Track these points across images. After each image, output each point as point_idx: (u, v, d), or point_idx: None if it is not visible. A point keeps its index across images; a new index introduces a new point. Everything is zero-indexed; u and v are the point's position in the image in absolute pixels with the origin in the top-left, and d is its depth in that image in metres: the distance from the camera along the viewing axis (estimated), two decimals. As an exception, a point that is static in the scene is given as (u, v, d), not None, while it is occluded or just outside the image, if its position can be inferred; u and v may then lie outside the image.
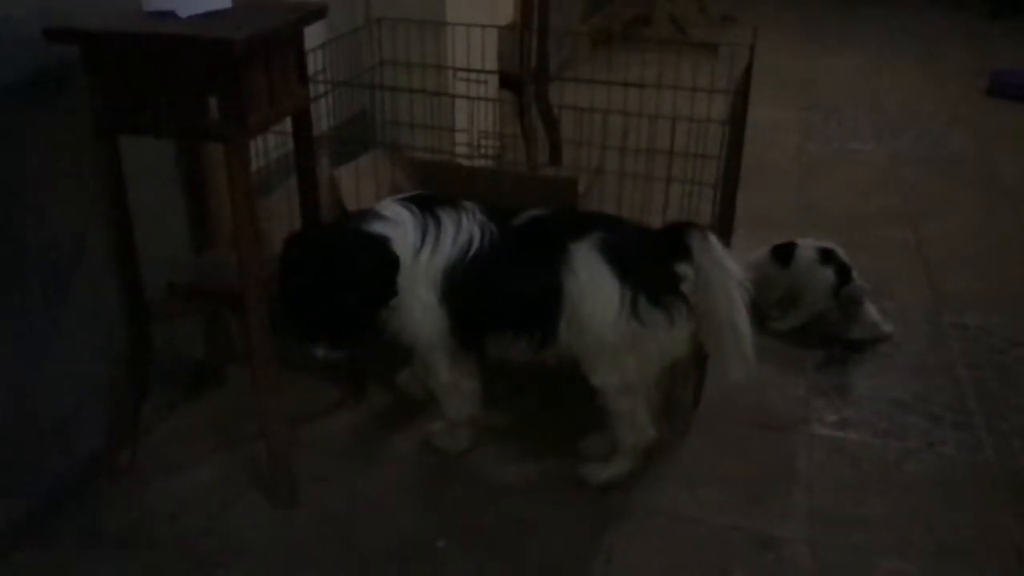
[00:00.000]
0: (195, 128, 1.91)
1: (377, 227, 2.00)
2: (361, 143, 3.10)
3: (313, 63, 2.45)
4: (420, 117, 2.96)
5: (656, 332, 1.94)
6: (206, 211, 2.43)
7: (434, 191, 2.20)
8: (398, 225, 2.00)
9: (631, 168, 2.50)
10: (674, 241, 1.93)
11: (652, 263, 1.96)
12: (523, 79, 3.24)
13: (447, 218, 2.02)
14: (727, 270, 1.89)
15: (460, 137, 3.14)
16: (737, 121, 2.22)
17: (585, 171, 2.79)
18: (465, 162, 3.14)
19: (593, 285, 1.94)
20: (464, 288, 1.99)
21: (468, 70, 3.01)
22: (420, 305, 2.00)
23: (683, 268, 1.94)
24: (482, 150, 3.15)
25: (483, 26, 3.15)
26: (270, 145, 2.54)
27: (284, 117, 2.13)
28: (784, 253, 2.86)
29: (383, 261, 1.96)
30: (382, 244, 1.96)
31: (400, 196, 2.13)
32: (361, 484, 2.16)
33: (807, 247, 2.84)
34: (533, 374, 2.34)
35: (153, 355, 2.13)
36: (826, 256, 2.81)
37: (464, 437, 2.23)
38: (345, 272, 1.95)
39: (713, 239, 1.91)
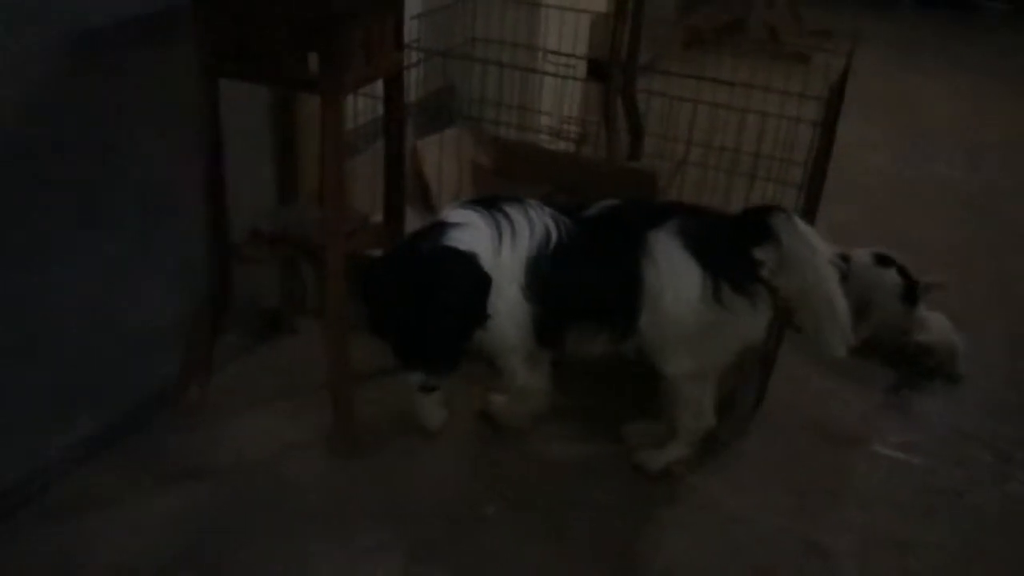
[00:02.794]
0: (294, 79, 1.97)
1: (456, 239, 1.91)
2: (446, 117, 3.14)
3: (407, 33, 2.49)
4: (507, 96, 2.99)
5: (738, 318, 1.94)
6: (294, 165, 2.50)
7: (496, 194, 2.13)
8: (473, 229, 1.94)
9: (714, 164, 2.49)
10: (754, 225, 1.93)
11: (732, 248, 1.96)
12: (611, 68, 3.24)
13: (516, 214, 1.98)
14: (816, 248, 1.89)
15: (544, 120, 3.16)
16: (829, 123, 2.20)
17: (667, 164, 2.78)
18: (547, 146, 3.16)
19: (674, 272, 1.94)
20: (547, 281, 1.95)
21: (558, 53, 3.02)
22: (506, 305, 1.94)
23: (762, 252, 1.93)
24: (564, 135, 3.17)
25: (578, 11, 3.16)
26: (359, 109, 2.60)
27: (378, 78, 2.18)
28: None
29: (479, 280, 1.87)
30: (474, 262, 1.88)
31: (461, 201, 2.09)
32: (417, 445, 2.20)
33: (861, 254, 2.75)
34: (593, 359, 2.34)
35: (232, 297, 2.20)
36: (884, 260, 2.72)
37: (525, 416, 2.25)
38: (443, 297, 1.86)
39: (797, 219, 1.90)
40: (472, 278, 1.87)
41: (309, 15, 1.85)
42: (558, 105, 3.02)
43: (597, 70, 3.29)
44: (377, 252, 2.43)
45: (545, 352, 2.09)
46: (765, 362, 2.30)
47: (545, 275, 1.94)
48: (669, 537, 2.01)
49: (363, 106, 2.58)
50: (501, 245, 1.93)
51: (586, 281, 1.98)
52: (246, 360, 2.41)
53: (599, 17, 3.42)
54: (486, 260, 1.89)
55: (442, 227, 1.94)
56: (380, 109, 2.38)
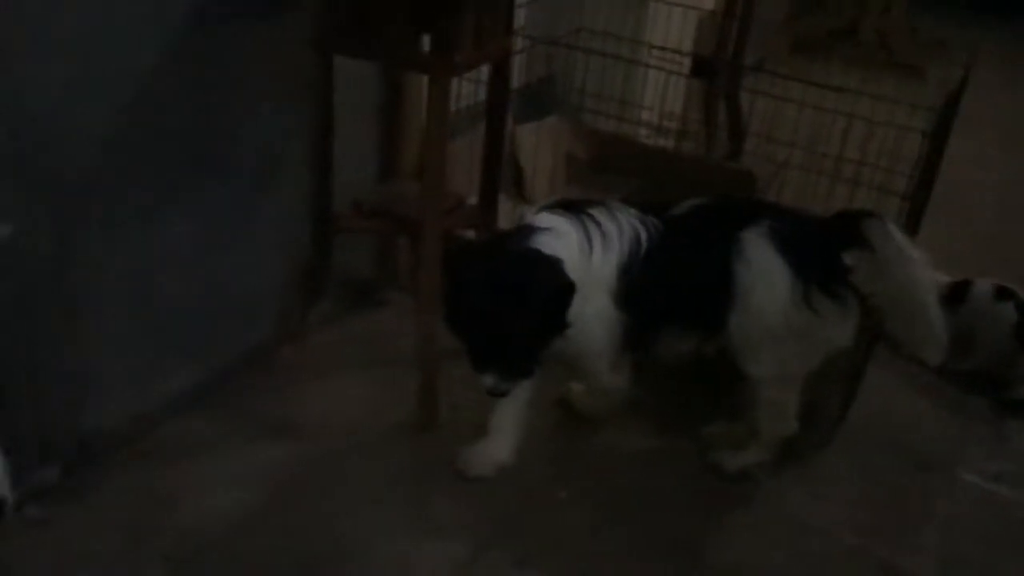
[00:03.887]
0: (406, 59, 2.03)
1: (543, 243, 1.86)
2: (546, 106, 3.16)
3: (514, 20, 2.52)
4: (608, 88, 2.99)
5: (825, 322, 1.91)
6: (396, 143, 2.56)
7: (579, 197, 2.11)
8: (561, 236, 1.88)
9: (816, 169, 2.45)
10: (845, 229, 1.90)
11: (823, 251, 1.93)
12: (716, 66, 3.21)
13: (605, 219, 1.93)
14: (910, 255, 1.85)
15: (644, 115, 3.16)
16: (940, 134, 2.13)
17: (767, 166, 2.74)
18: (645, 141, 3.15)
19: (765, 273, 1.92)
20: (640, 285, 1.91)
21: (664, 48, 3.01)
22: (594, 313, 1.91)
23: (853, 257, 1.90)
24: (664, 131, 3.16)
25: (687, 7, 3.14)
26: (462, 92, 2.64)
27: (486, 62, 2.22)
28: (958, 290, 2.68)
29: (562, 287, 1.81)
30: (559, 268, 1.83)
31: (544, 204, 2.02)
32: (495, 425, 2.23)
33: (982, 284, 2.65)
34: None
35: (328, 266, 2.27)
36: (1004, 293, 2.62)
37: (603, 409, 2.26)
38: (525, 300, 1.80)
39: (891, 225, 1.87)
40: (555, 285, 1.81)
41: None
42: (659, 100, 3.01)
43: (701, 67, 3.27)
44: (469, 234, 2.48)
45: (629, 354, 2.07)
46: (852, 374, 2.25)
47: (637, 280, 1.91)
48: (739, 538, 2.00)
49: (466, 90, 2.62)
50: (591, 251, 1.89)
51: (677, 283, 1.95)
52: (337, 327, 2.48)
53: (707, 14, 3.39)
54: (572, 267, 1.85)
55: (529, 231, 1.89)
56: (482, 93, 2.42)
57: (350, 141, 2.34)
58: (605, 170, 3.00)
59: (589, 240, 1.89)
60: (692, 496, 2.09)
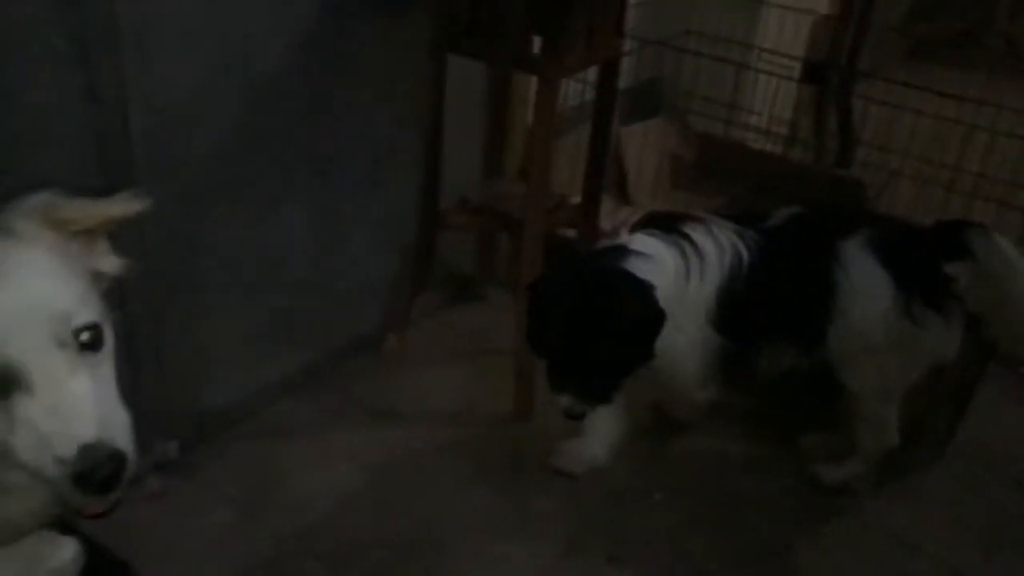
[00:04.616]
0: (518, 59, 2.06)
1: (637, 266, 1.79)
2: (651, 107, 3.16)
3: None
4: (717, 91, 2.97)
5: (929, 333, 1.87)
6: (502, 141, 2.61)
7: (671, 210, 2.07)
8: (657, 263, 1.81)
9: (931, 179, 2.37)
10: (948, 240, 1.86)
11: (926, 261, 1.88)
12: (829, 71, 3.14)
13: (702, 237, 1.87)
14: (1018, 267, 1.81)
15: (752, 119, 3.12)
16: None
17: (878, 175, 2.68)
18: (752, 145, 3.11)
19: (866, 284, 1.88)
20: (739, 305, 1.86)
21: (775, 52, 2.97)
22: (686, 342, 1.86)
23: (955, 268, 1.85)
24: (772, 135, 3.11)
25: (800, 11, 3.09)
26: (568, 92, 2.67)
27: (596, 63, 2.24)
28: None
29: (652, 316, 1.75)
30: (650, 295, 1.76)
31: (640, 221, 1.96)
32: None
33: None
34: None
35: (433, 259, 2.34)
36: None
37: (693, 412, 2.24)
38: (610, 326, 1.74)
39: (997, 237, 1.82)
40: (645, 313, 1.75)
41: (539, -1, 1.93)
42: (769, 105, 2.97)
43: (813, 72, 3.20)
44: (570, 233, 2.51)
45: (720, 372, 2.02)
46: (960, 392, 2.18)
47: (736, 300, 1.86)
48: (835, 552, 1.97)
49: (572, 89, 2.65)
50: (688, 278, 1.84)
51: (777, 299, 1.91)
52: (439, 319, 2.56)
53: (821, 18, 3.32)
54: (666, 294, 1.78)
55: (623, 252, 1.82)
56: (588, 93, 2.44)
57: (457, 139, 2.40)
58: (710, 173, 2.98)
59: (686, 265, 1.84)
60: (787, 505, 2.07)
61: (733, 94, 2.97)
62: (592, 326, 1.74)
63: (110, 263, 0.98)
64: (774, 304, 1.91)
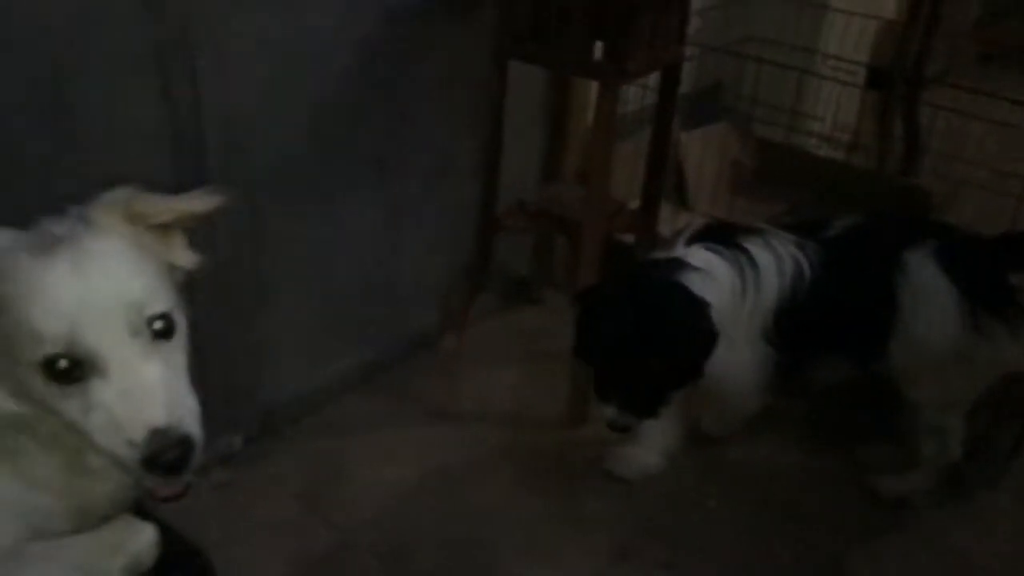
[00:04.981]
0: (579, 65, 2.08)
1: (691, 281, 1.76)
2: (711, 113, 3.14)
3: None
4: (779, 98, 2.94)
5: (994, 345, 1.83)
6: (560, 145, 2.62)
7: (726, 220, 2.04)
8: (712, 276, 1.79)
9: (1002, 190, 2.32)
10: (1015, 250, 1.83)
11: (991, 271, 1.85)
12: (895, 77, 3.08)
13: (760, 251, 1.84)
14: None
15: (815, 126, 3.08)
16: None
17: (944, 184, 2.62)
18: (815, 152, 3.08)
19: (930, 295, 1.84)
20: (798, 319, 1.84)
21: (839, 58, 2.93)
22: (739, 360, 1.85)
23: (1022, 278, 1.82)
24: (835, 143, 3.07)
25: (866, 16, 3.04)
26: (629, 97, 2.67)
27: (657, 69, 2.24)
28: None
29: (704, 334, 1.73)
30: (704, 312, 1.73)
31: (697, 232, 1.91)
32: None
33: None
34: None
35: (490, 261, 2.36)
36: None
37: (735, 424, 2.19)
38: (661, 342, 1.73)
39: None
40: (698, 331, 1.73)
41: (607, 4, 1.93)
42: (832, 111, 2.93)
43: (878, 78, 3.14)
44: (628, 238, 2.51)
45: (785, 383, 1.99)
46: (1028, 408, 2.12)
47: (794, 314, 1.83)
48: (892, 566, 1.94)
49: (633, 94, 2.65)
50: (744, 295, 1.81)
51: (839, 312, 1.87)
52: (495, 321, 2.58)
53: (886, 23, 3.26)
54: (721, 311, 1.76)
55: (679, 266, 1.79)
56: (649, 98, 2.44)
57: (516, 142, 2.42)
58: (771, 180, 2.95)
59: (743, 281, 1.81)
60: (844, 517, 2.04)
61: (796, 100, 2.93)
62: (643, 341, 1.73)
63: (185, 257, 1.01)
64: (834, 317, 1.88)
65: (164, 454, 0.85)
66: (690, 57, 2.70)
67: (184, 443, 0.87)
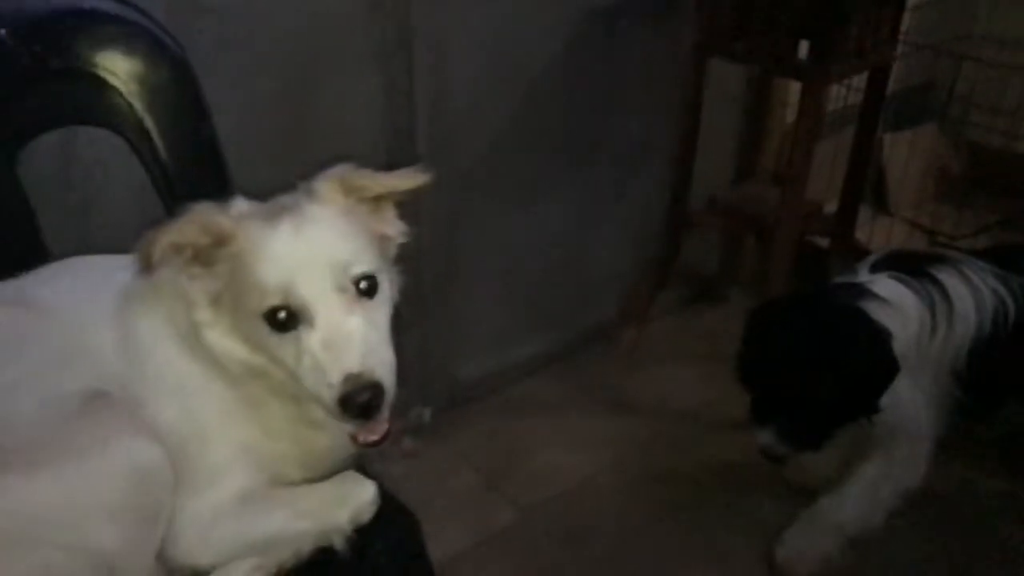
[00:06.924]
0: (783, 66, 2.04)
1: (876, 312, 1.62)
2: (917, 114, 2.98)
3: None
4: (998, 100, 2.74)
5: None
6: (756, 144, 2.58)
7: (912, 249, 1.90)
8: (899, 310, 1.64)
9: None
10: None
11: None
12: None
13: (954, 284, 1.68)
14: None
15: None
16: None
17: None
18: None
19: None
20: (994, 360, 1.69)
21: (1072, 58, 2.69)
22: (923, 400, 1.70)
23: None
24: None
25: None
26: (831, 95, 2.57)
27: (864, 70, 2.17)
28: None
29: (884, 366, 1.58)
30: (886, 343, 1.59)
31: (881, 259, 1.77)
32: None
33: None
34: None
35: (678, 257, 2.37)
36: None
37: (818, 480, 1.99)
38: (832, 370, 1.59)
39: None
40: (877, 361, 1.59)
41: (815, 5, 1.89)
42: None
43: (1117, 81, 2.86)
44: (823, 242, 2.44)
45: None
46: None
47: (991, 355, 1.68)
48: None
49: (834, 93, 2.56)
50: (935, 330, 1.66)
51: None
52: (677, 317, 2.60)
53: None
54: (905, 345, 1.62)
55: (862, 293, 1.66)
56: (852, 97, 2.36)
57: (711, 139, 2.41)
58: (982, 188, 2.77)
59: (933, 316, 1.66)
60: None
61: (1018, 103, 2.72)
62: (815, 364, 1.60)
63: (394, 227, 1.10)
64: None
65: (356, 396, 0.94)
66: (900, 56, 2.58)
67: (374, 388, 0.95)
